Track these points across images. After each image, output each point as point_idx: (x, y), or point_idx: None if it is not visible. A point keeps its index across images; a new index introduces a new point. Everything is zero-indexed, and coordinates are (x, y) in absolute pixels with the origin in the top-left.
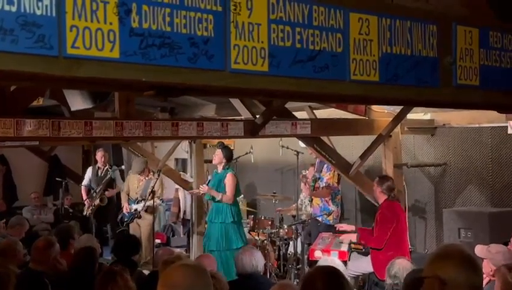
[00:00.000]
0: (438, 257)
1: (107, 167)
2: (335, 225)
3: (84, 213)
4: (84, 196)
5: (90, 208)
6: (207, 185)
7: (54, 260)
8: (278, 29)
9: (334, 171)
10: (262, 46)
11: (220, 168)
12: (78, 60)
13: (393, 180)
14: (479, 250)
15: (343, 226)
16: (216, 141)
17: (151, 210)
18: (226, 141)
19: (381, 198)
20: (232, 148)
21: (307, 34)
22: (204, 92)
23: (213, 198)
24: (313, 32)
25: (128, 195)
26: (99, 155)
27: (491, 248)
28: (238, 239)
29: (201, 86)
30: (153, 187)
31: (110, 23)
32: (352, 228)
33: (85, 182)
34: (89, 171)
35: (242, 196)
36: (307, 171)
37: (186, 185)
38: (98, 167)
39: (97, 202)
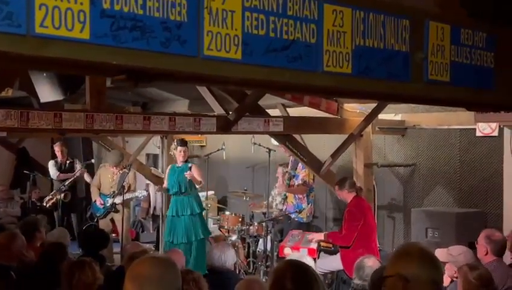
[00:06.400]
0: (399, 256)
1: (69, 160)
2: (308, 223)
3: (44, 204)
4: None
5: (52, 201)
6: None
7: (18, 252)
8: (252, 17)
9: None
10: (236, 33)
11: (179, 163)
12: (47, 40)
13: (351, 178)
14: (440, 254)
15: (312, 236)
16: (187, 136)
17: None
18: (198, 137)
19: (350, 197)
20: (204, 144)
21: (281, 23)
22: (176, 78)
23: (178, 192)
24: (287, 21)
25: (99, 189)
26: (57, 149)
27: (451, 250)
28: (205, 229)
29: (173, 71)
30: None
31: (81, 3)
32: (321, 236)
33: (52, 175)
34: (52, 165)
35: (213, 193)
36: (286, 169)
37: (157, 181)
38: (61, 161)
39: (61, 196)
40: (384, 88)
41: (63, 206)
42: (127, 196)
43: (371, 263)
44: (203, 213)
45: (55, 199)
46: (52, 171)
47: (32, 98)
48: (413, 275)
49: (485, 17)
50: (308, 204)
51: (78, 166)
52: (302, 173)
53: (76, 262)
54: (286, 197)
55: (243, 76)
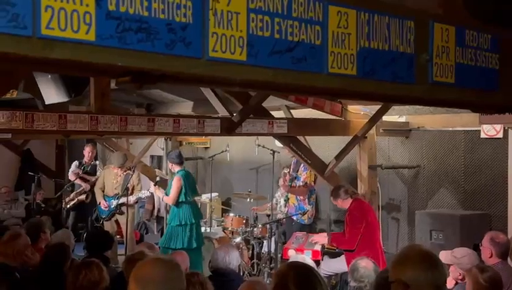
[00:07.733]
0: (397, 261)
1: (93, 162)
2: (309, 225)
3: (63, 206)
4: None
5: (72, 202)
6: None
7: (20, 252)
8: (256, 19)
9: (310, 171)
10: (241, 35)
11: None
12: (53, 41)
13: (343, 185)
14: (444, 257)
15: (315, 239)
16: (191, 138)
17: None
18: (202, 139)
19: (347, 203)
20: (208, 146)
21: (285, 24)
22: (181, 80)
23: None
24: (292, 23)
25: (103, 191)
26: (88, 150)
27: (455, 253)
28: (173, 241)
29: (178, 73)
30: (131, 182)
31: (87, 5)
32: (325, 240)
33: (71, 176)
34: (75, 166)
35: (217, 195)
36: (288, 169)
37: (160, 183)
38: (85, 162)
39: (82, 197)
40: (389, 90)
41: (80, 207)
42: (132, 197)
43: (364, 264)
44: (184, 225)
45: (76, 199)
46: (72, 168)
47: (36, 100)
48: (412, 279)
49: (489, 18)
50: (310, 206)
51: (100, 168)
52: (304, 175)
53: (83, 262)
54: (288, 199)
55: (247, 77)
